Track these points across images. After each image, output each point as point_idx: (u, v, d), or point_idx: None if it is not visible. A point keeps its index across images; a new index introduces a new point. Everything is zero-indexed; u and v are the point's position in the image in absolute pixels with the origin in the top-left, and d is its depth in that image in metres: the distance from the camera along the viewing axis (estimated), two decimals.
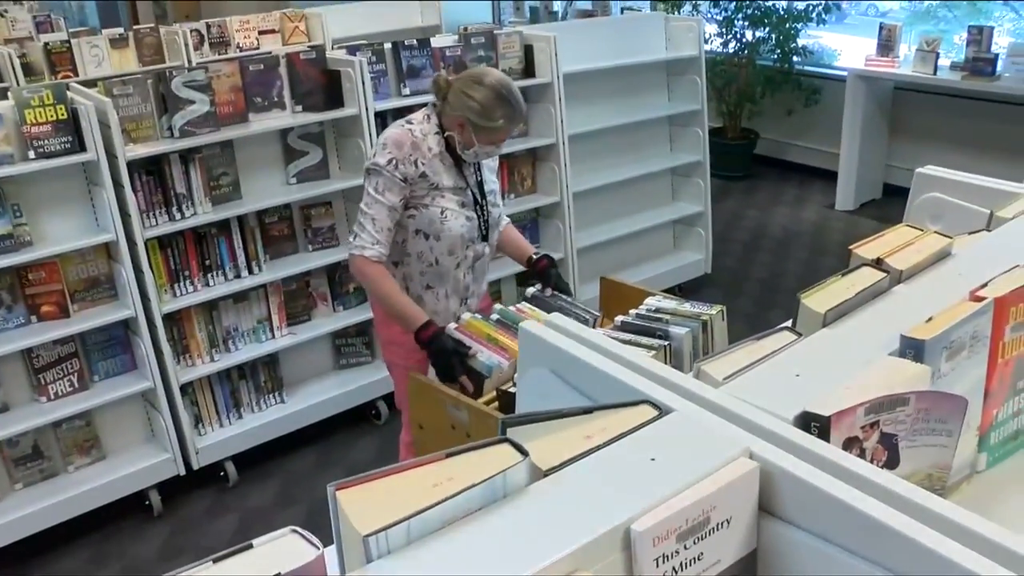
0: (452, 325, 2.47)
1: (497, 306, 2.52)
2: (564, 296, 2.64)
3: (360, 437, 3.85)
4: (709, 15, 6.88)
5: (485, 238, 2.73)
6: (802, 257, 5.65)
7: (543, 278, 2.70)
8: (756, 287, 5.23)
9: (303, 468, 3.68)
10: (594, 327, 2.44)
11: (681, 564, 0.83)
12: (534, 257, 2.78)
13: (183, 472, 3.49)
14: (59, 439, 3.34)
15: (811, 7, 6.71)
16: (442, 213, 2.59)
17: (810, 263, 5.53)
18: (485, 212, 2.70)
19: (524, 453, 0.82)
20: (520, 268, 4.21)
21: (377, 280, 2.55)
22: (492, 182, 2.78)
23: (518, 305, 2.55)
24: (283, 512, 3.42)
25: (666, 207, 5.09)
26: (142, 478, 3.42)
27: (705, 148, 4.97)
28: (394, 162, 2.52)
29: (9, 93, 3.20)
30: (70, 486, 3.30)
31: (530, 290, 2.66)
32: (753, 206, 6.59)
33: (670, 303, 2.38)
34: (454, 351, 2.34)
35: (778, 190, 6.90)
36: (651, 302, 2.40)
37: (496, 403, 2.10)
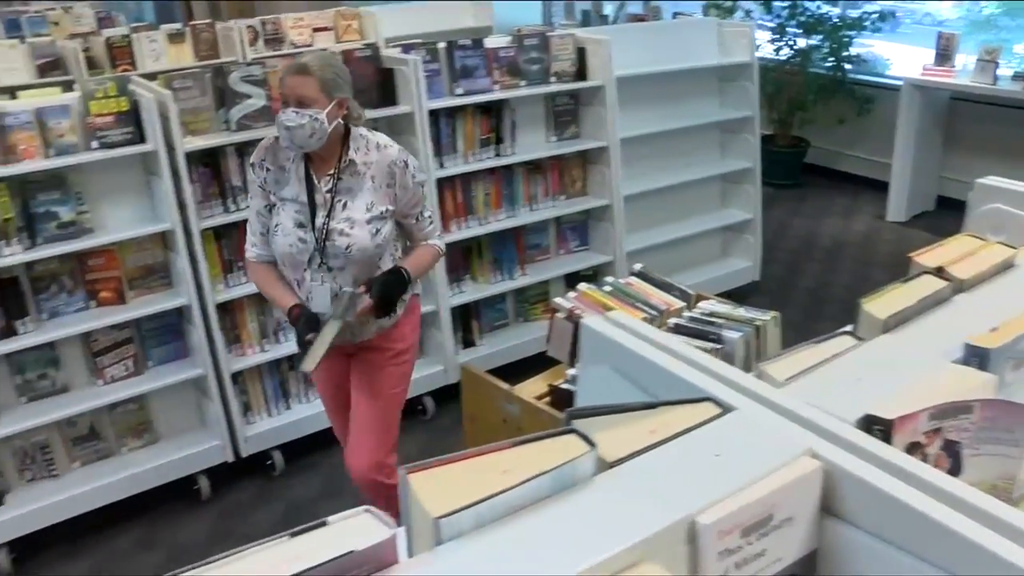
0: (571, 294, 2.53)
1: (608, 278, 2.56)
2: None
3: (405, 432, 3.82)
4: (761, 21, 6.83)
5: (326, 267, 2.51)
6: (851, 268, 5.59)
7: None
8: (804, 296, 5.18)
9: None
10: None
11: (744, 559, 0.84)
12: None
13: (232, 459, 3.56)
14: (114, 422, 3.43)
15: (865, 15, 6.63)
16: (276, 226, 2.54)
17: (859, 274, 5.46)
18: (324, 238, 2.49)
19: (591, 444, 0.84)
20: (571, 269, 4.29)
21: (252, 276, 2.71)
22: (365, 210, 2.49)
23: (627, 279, 2.60)
24: (327, 503, 3.46)
25: (716, 213, 5.07)
26: (192, 463, 3.49)
27: (757, 155, 4.94)
28: (253, 166, 2.57)
29: (75, 85, 3.29)
30: (123, 467, 3.39)
31: (636, 266, 2.68)
32: (802, 215, 6.53)
33: (724, 307, 2.38)
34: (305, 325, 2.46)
35: (828, 199, 6.83)
36: (705, 305, 2.40)
37: (548, 398, 2.12)
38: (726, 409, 0.97)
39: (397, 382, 2.75)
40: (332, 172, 2.50)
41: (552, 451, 0.82)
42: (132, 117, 3.17)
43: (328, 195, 2.49)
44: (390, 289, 2.55)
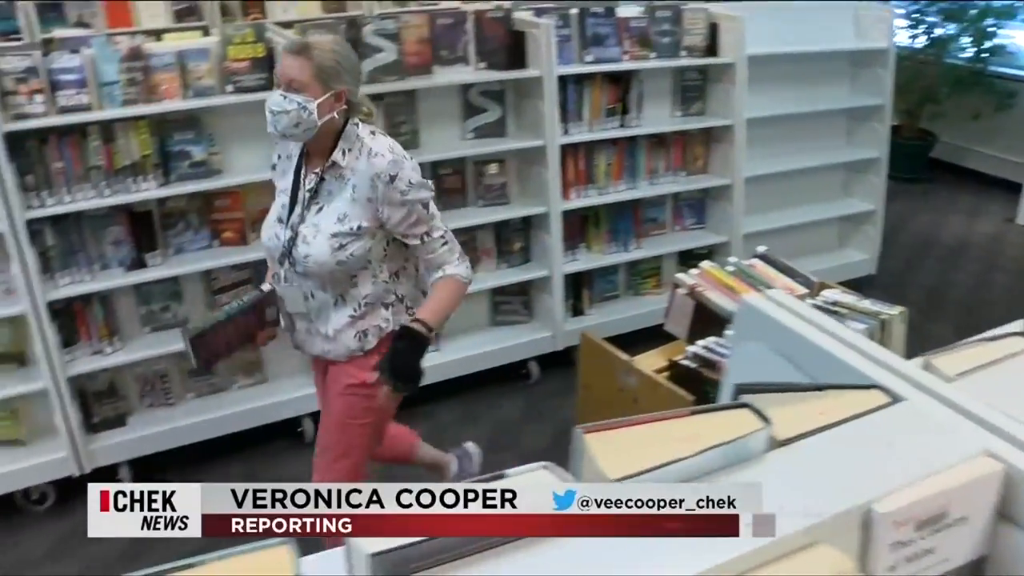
0: (694, 271, 2.52)
1: (732, 258, 2.54)
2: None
3: (507, 395, 3.90)
4: (897, 7, 6.53)
5: (293, 269, 2.32)
6: (973, 270, 5.35)
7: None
8: (920, 295, 4.99)
9: (448, 419, 3.75)
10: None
11: (914, 554, 0.81)
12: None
13: None
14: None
15: (1018, 1, 6.27)
16: (268, 216, 2.43)
17: (982, 277, 5.23)
18: (293, 239, 2.29)
19: (766, 420, 0.82)
20: (686, 246, 4.23)
21: None
22: (336, 220, 2.24)
23: (750, 261, 2.58)
24: None
25: (837, 202, 4.92)
26: (298, 405, 3.57)
27: (885, 145, 4.76)
28: (274, 150, 2.47)
29: (214, 30, 3.38)
30: (233, 403, 3.51)
31: (760, 248, 2.66)
32: (924, 211, 6.27)
33: (849, 298, 2.32)
34: None
35: (953, 197, 6.54)
36: (829, 294, 2.34)
37: (666, 373, 2.10)
38: (895, 399, 0.94)
39: (359, 414, 2.42)
40: (318, 171, 2.27)
41: (726, 424, 0.81)
42: (267, 63, 3.25)
43: (307, 195, 2.29)
44: (403, 362, 2.24)
